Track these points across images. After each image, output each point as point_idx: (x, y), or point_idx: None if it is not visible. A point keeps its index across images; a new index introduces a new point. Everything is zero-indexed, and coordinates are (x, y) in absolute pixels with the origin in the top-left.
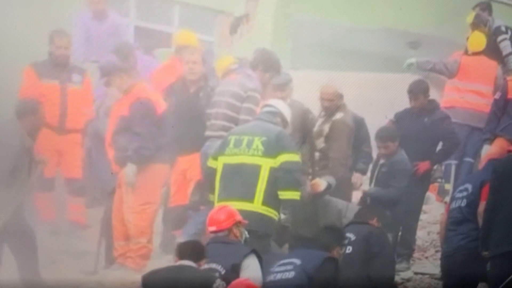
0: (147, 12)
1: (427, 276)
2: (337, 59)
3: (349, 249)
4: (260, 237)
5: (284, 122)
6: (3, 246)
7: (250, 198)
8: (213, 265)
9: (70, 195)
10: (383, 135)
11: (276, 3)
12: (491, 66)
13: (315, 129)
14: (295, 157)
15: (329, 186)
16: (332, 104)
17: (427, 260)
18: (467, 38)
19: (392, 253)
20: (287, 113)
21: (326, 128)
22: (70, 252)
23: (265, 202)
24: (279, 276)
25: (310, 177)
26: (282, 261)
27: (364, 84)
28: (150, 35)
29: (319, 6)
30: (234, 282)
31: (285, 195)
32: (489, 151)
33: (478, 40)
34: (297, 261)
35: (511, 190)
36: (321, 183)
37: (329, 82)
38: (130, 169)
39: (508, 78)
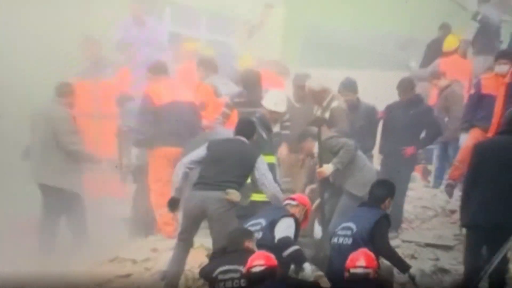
0: (180, 18)
1: (413, 243)
2: (341, 58)
3: None
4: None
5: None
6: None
7: None
8: (260, 220)
9: (107, 173)
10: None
11: (286, 10)
12: (465, 63)
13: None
14: None
15: (336, 170)
16: (317, 98)
17: (413, 230)
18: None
19: None
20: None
21: (326, 116)
22: (111, 220)
23: None
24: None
25: (317, 166)
26: (251, 222)
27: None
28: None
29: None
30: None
31: None
32: (466, 143)
33: (451, 41)
34: (263, 221)
35: (487, 170)
36: (327, 168)
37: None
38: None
39: (482, 76)
